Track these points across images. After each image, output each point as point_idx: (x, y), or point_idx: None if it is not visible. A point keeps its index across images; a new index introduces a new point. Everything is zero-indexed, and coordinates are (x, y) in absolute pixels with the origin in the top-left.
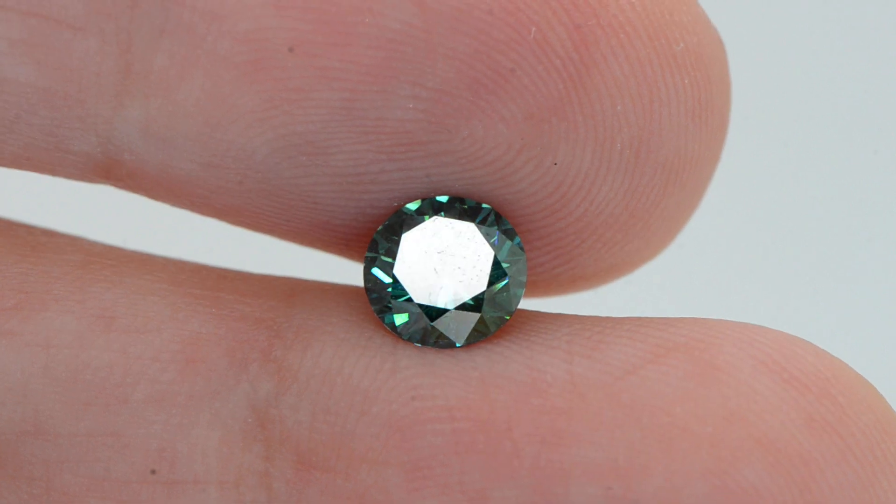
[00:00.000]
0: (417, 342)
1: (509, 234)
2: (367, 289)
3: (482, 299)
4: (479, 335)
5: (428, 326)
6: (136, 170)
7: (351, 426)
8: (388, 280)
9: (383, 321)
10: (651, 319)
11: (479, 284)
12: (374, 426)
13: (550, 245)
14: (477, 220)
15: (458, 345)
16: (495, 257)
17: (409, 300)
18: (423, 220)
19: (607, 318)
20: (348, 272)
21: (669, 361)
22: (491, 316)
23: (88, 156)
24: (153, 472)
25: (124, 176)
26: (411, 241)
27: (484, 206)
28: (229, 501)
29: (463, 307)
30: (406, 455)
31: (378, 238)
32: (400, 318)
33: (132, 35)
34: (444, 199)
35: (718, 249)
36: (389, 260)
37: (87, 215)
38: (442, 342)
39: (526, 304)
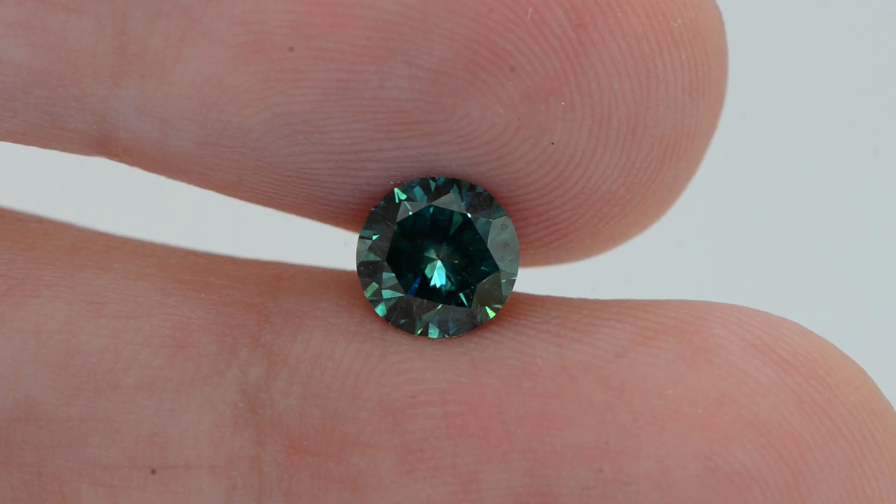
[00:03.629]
0: (406, 329)
1: (504, 222)
2: (359, 271)
3: (473, 289)
4: (469, 325)
5: (417, 315)
6: (132, 147)
7: (342, 410)
8: (380, 265)
9: (373, 305)
10: (640, 302)
11: (470, 274)
12: (365, 410)
13: (547, 222)
14: (473, 207)
15: (446, 335)
16: (488, 247)
17: (400, 286)
18: (418, 206)
19: (596, 300)
20: (340, 256)
21: (659, 344)
22: (481, 306)
23: (84, 133)
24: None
25: (120, 152)
26: (405, 225)
27: (479, 190)
28: (220, 486)
29: (453, 296)
30: (398, 438)
31: (372, 220)
32: (390, 303)
33: (127, 16)
34: (440, 181)
35: (708, 231)
36: (383, 244)
37: (77, 199)
38: (431, 331)
39: (519, 278)
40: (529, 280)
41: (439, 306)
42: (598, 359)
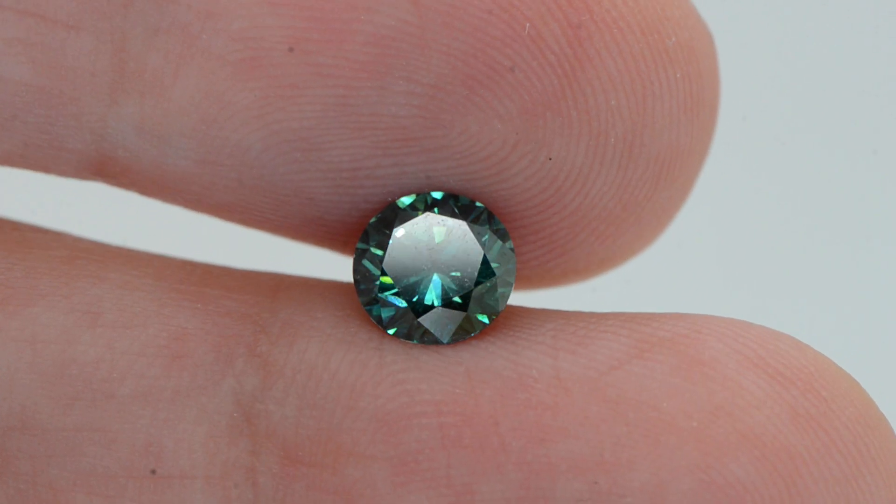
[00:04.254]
0: (403, 337)
1: (501, 234)
2: (355, 280)
3: (469, 298)
4: (465, 333)
5: (414, 322)
6: (130, 166)
7: (337, 421)
8: (376, 273)
9: (370, 314)
10: (635, 314)
11: (466, 283)
12: (361, 421)
13: (544, 239)
14: (469, 219)
15: (443, 342)
16: (485, 257)
17: (397, 294)
18: (415, 216)
19: (592, 313)
20: (336, 267)
21: (655, 356)
22: (477, 315)
23: (83, 153)
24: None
25: (118, 173)
26: (402, 236)
27: (477, 204)
28: (215, 496)
29: (449, 305)
30: (393, 449)
31: (370, 230)
32: (386, 312)
33: (126, 34)
34: (437, 195)
35: (708, 231)
36: (380, 252)
37: (75, 212)
38: (427, 339)
39: (515, 297)
40: (528, 291)
41: (435, 312)
42: (594, 371)
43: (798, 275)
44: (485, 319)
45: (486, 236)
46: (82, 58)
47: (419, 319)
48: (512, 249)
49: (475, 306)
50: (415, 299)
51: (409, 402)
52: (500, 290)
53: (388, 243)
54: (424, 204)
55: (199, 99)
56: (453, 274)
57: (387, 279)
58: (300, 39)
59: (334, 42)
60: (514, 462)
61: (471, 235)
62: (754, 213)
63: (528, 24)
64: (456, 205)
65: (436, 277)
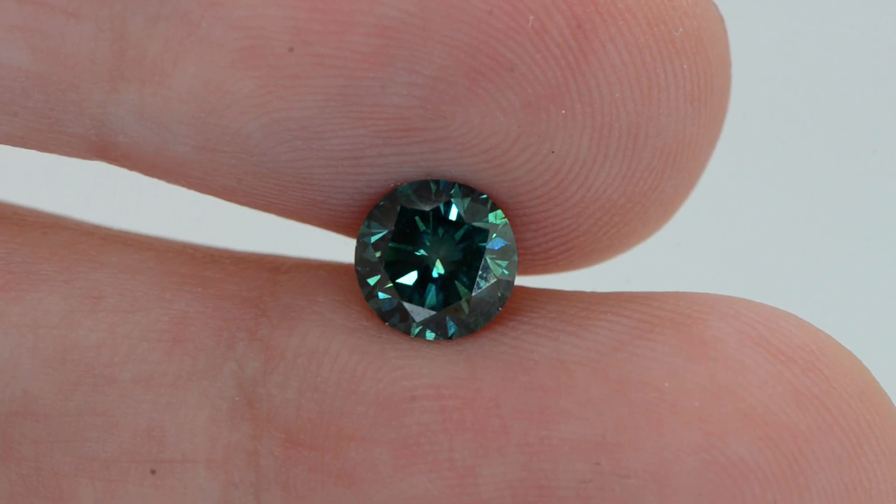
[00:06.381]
0: (402, 330)
1: (503, 226)
2: (357, 272)
3: (470, 294)
4: (465, 330)
5: (413, 317)
6: (130, 151)
7: (339, 404)
8: (377, 265)
9: (371, 307)
10: (637, 294)
11: (468, 279)
12: (362, 404)
13: (547, 230)
14: (472, 210)
15: (442, 338)
16: (486, 251)
17: (397, 287)
18: (417, 206)
19: (593, 293)
20: (338, 249)
21: (656, 337)
22: (477, 312)
23: (83, 137)
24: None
25: (119, 157)
26: (404, 228)
27: (481, 195)
28: (217, 480)
29: (450, 302)
30: (394, 433)
31: (370, 222)
32: (386, 305)
33: (126, 21)
34: (441, 183)
35: (707, 230)
36: (381, 244)
37: (76, 195)
38: (428, 335)
39: (516, 280)
40: (528, 277)
41: (435, 313)
42: (596, 352)
43: (797, 273)
44: (485, 317)
45: (489, 229)
46: (82, 45)
47: (419, 319)
48: (513, 242)
49: (476, 303)
50: (415, 291)
51: (410, 386)
52: (501, 286)
53: (389, 234)
54: (428, 193)
55: (198, 87)
56: (454, 265)
57: (387, 270)
58: (302, 30)
59: (336, 32)
60: (516, 444)
61: (473, 228)
62: (753, 212)
63: (531, 17)
64: (460, 194)
65: (437, 268)
